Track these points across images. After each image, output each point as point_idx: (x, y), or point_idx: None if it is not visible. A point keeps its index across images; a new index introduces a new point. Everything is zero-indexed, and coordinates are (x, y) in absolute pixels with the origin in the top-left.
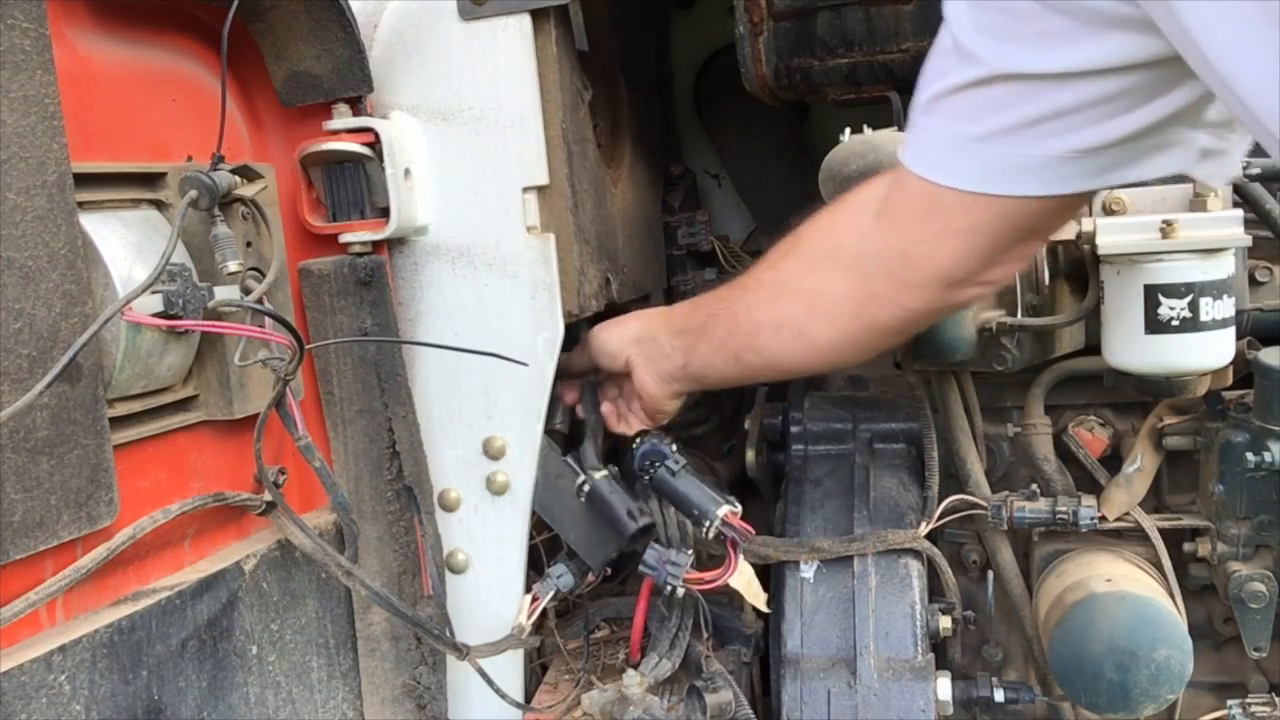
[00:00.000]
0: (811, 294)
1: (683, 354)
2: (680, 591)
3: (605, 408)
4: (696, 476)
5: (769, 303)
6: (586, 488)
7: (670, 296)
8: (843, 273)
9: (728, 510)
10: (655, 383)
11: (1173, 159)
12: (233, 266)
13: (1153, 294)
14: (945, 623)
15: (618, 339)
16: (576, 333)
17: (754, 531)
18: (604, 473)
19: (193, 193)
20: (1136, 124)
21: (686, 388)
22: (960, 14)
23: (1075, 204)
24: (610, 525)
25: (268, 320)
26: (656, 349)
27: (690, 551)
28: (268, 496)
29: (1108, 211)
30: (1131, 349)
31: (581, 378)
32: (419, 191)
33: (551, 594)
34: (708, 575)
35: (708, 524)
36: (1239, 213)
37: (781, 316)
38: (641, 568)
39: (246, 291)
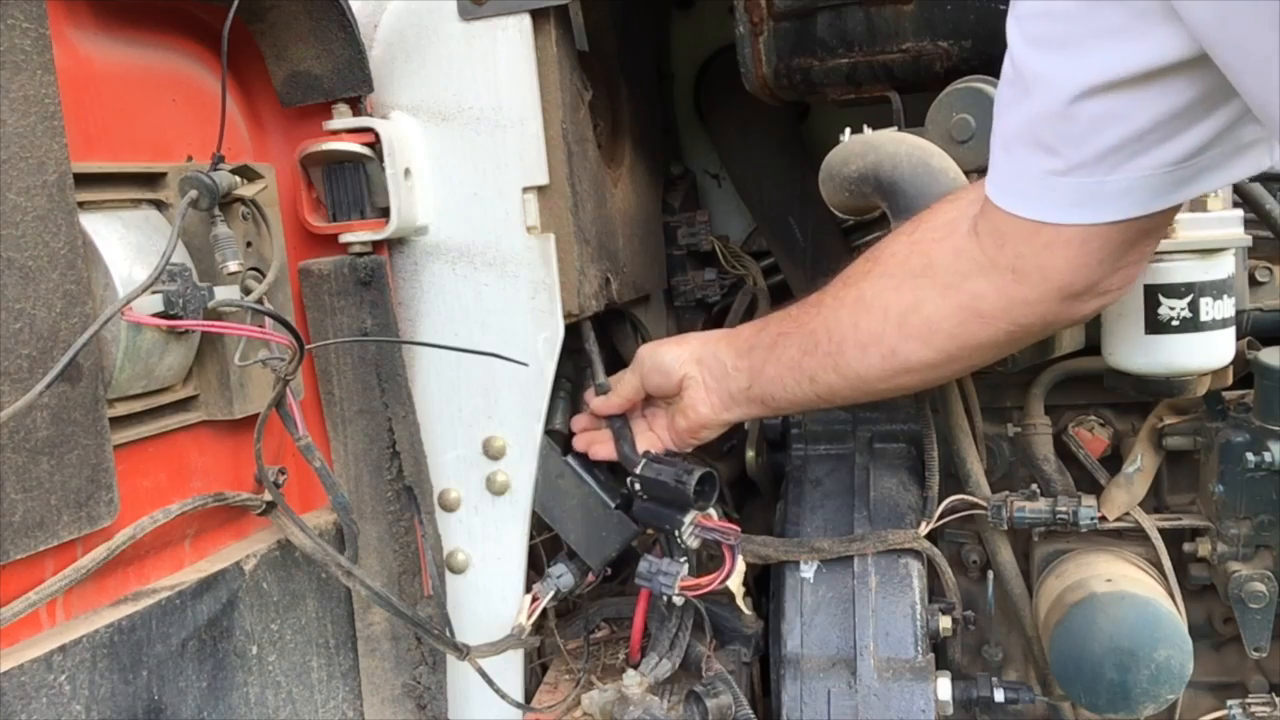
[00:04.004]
0: (903, 313)
1: (748, 375)
2: (678, 600)
3: (641, 425)
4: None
5: (853, 322)
6: (638, 485)
7: (670, 297)
8: (940, 292)
9: (694, 515)
10: (712, 406)
11: (1258, 157)
12: (233, 266)
13: (1153, 294)
14: (945, 623)
15: (674, 357)
16: (577, 333)
17: (738, 528)
18: (642, 461)
19: (193, 193)
20: (1211, 130)
21: (748, 412)
22: (1013, 35)
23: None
24: (674, 502)
25: (268, 320)
26: (719, 368)
27: (685, 559)
28: (268, 496)
29: None
30: (1131, 349)
31: (618, 424)
32: (419, 191)
33: (551, 594)
34: (704, 580)
35: (678, 534)
36: (1239, 213)
37: (868, 336)
38: (635, 579)
39: (246, 291)
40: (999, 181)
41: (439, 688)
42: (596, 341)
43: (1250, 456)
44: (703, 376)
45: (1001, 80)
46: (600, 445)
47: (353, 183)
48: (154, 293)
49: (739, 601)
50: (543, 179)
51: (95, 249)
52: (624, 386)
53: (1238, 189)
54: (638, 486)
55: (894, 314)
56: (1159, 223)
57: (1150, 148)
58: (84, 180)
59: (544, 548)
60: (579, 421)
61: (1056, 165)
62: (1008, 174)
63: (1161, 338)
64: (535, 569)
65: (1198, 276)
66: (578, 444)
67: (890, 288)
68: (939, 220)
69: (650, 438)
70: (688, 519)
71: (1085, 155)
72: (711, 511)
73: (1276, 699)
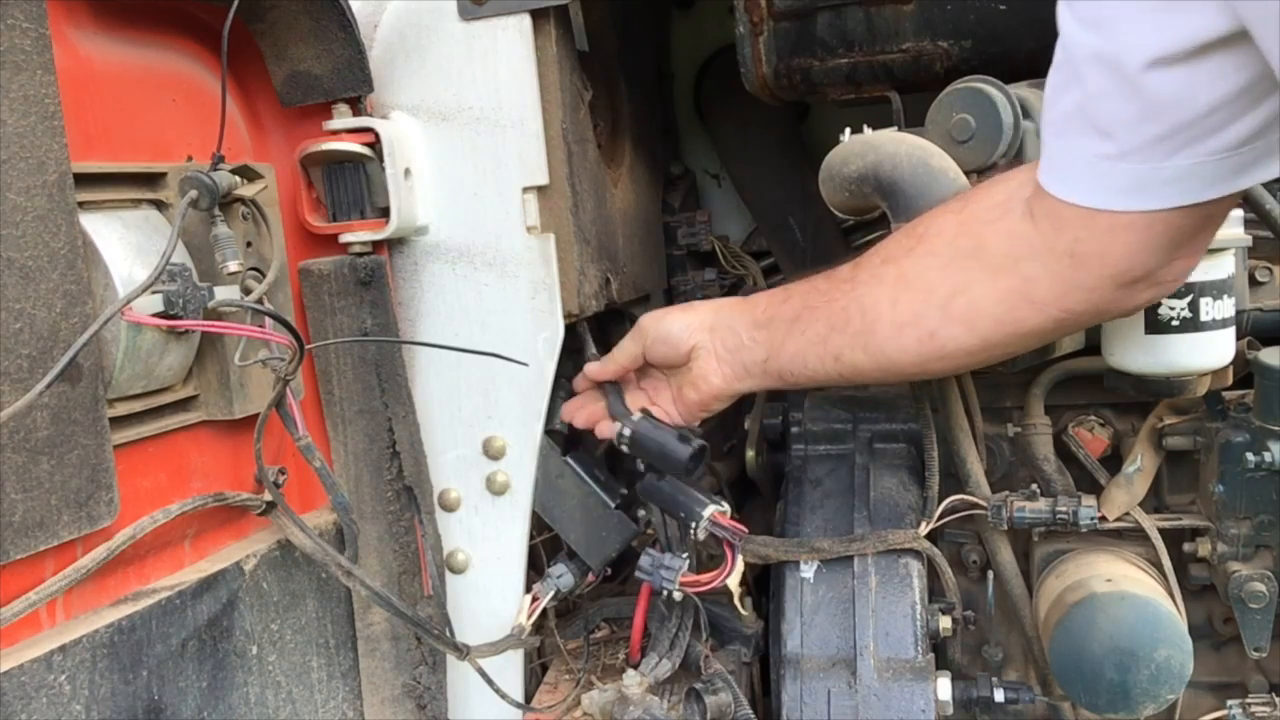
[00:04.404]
0: (948, 295)
1: (766, 347)
2: (678, 595)
3: (629, 401)
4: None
5: (891, 300)
6: (627, 432)
7: (670, 297)
8: (990, 275)
9: (714, 510)
10: (724, 376)
11: None
12: (233, 266)
13: None
14: (945, 623)
15: (683, 325)
16: (576, 333)
17: (746, 530)
18: (639, 415)
19: (193, 193)
20: (1263, 117)
21: (762, 384)
22: (1064, 18)
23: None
24: (664, 461)
25: (268, 320)
26: (733, 339)
27: (687, 555)
28: (268, 496)
29: None
30: (1131, 349)
31: (610, 384)
32: (419, 191)
33: (551, 594)
34: (704, 577)
35: (694, 525)
36: (1239, 213)
37: (907, 316)
38: (637, 573)
39: (246, 291)
40: (1052, 167)
41: (439, 688)
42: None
43: (1250, 456)
44: (714, 346)
45: (1053, 66)
46: (591, 411)
47: (353, 183)
48: (154, 293)
49: (737, 601)
50: (543, 179)
51: (95, 249)
52: (621, 354)
53: None
54: (626, 434)
55: (939, 295)
56: (1217, 211)
57: (1205, 135)
58: (84, 180)
59: (544, 548)
60: (572, 404)
61: (1110, 149)
62: (1061, 160)
63: (1161, 338)
64: (535, 569)
65: (1198, 276)
66: (564, 412)
67: (935, 267)
68: (990, 201)
69: (656, 413)
70: (706, 513)
71: (1140, 139)
72: (726, 508)
73: (1276, 699)
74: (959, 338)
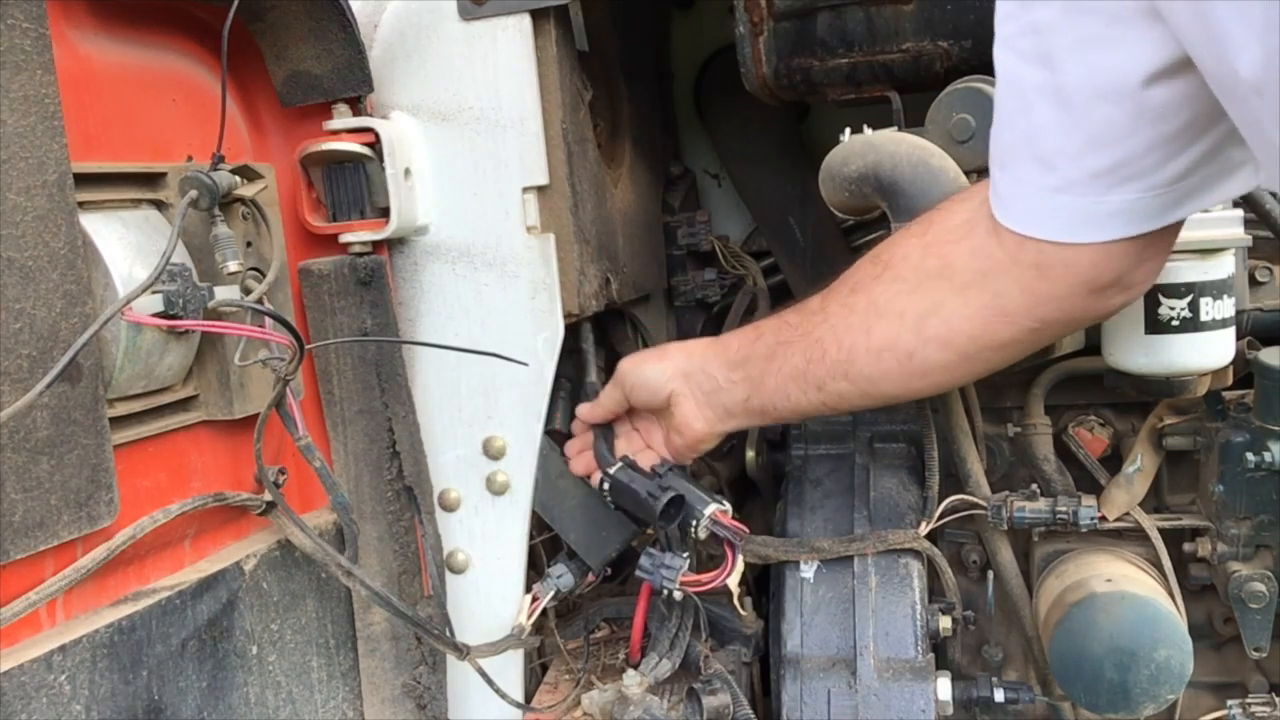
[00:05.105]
0: (919, 316)
1: (745, 387)
2: (678, 595)
3: (624, 442)
4: (686, 478)
5: (865, 328)
6: (606, 485)
7: (670, 297)
8: (960, 292)
9: (716, 509)
10: (707, 420)
11: (1246, 179)
12: (233, 266)
13: (1152, 294)
14: (945, 623)
15: (658, 372)
16: (577, 333)
17: (747, 529)
18: (618, 465)
19: (193, 193)
20: (1200, 152)
21: (745, 423)
22: (1003, 55)
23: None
24: (640, 510)
25: (268, 320)
26: (709, 383)
27: (687, 554)
28: (268, 496)
29: None
30: (1131, 349)
31: (604, 426)
32: (419, 191)
33: (551, 594)
34: (704, 577)
35: (696, 524)
36: (1239, 213)
37: (882, 342)
38: (637, 573)
39: (246, 291)
40: (1001, 199)
41: (439, 688)
42: (595, 344)
43: (1250, 456)
44: (691, 391)
45: (996, 98)
46: (587, 458)
47: (353, 183)
48: (154, 293)
49: (736, 601)
50: (543, 179)
51: (95, 249)
52: (607, 399)
53: None
54: (606, 487)
55: (911, 318)
56: (1169, 231)
57: (1145, 172)
58: (84, 180)
59: (544, 548)
60: (573, 445)
61: (1052, 182)
62: (1007, 191)
63: (1161, 338)
64: (535, 569)
65: (1198, 276)
66: (569, 450)
67: (904, 291)
68: (951, 222)
69: (649, 455)
70: (708, 511)
71: (1080, 173)
72: (728, 507)
73: (1276, 699)
74: (936, 355)
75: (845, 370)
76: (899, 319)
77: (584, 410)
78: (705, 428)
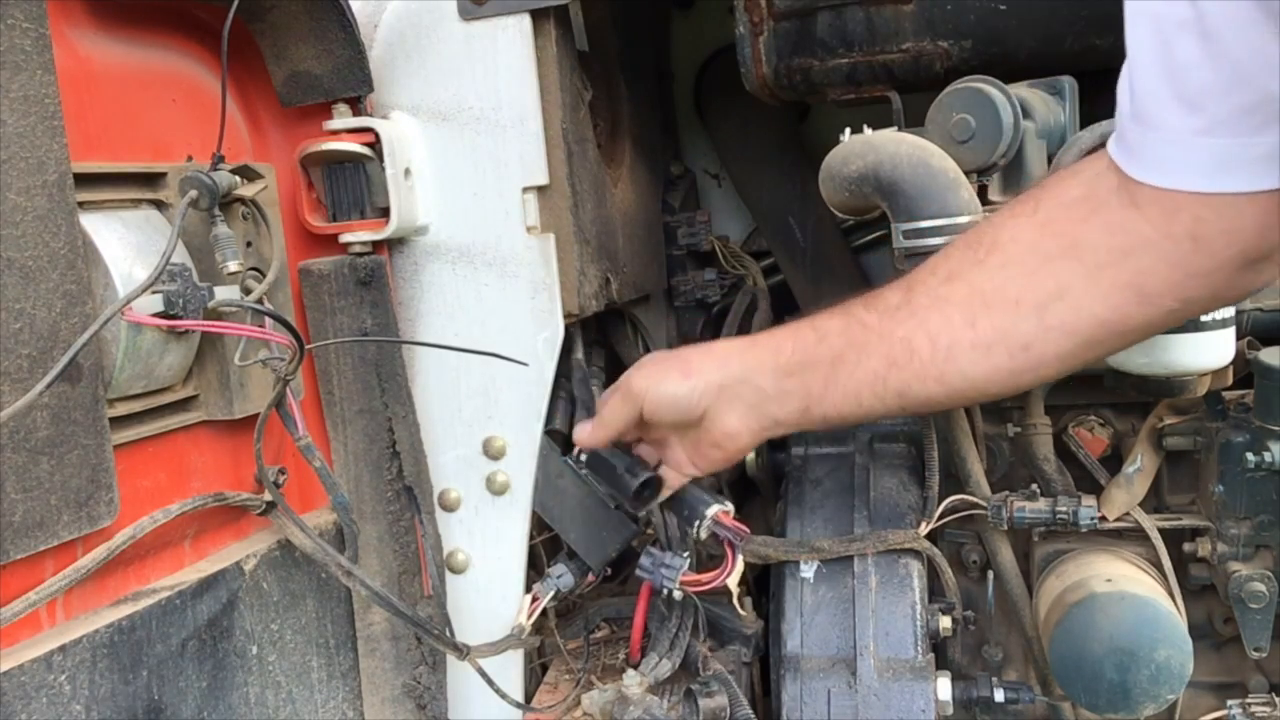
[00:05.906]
0: (1040, 303)
1: (802, 396)
2: (678, 594)
3: (647, 449)
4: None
5: (968, 321)
6: (584, 455)
7: (670, 297)
8: (1092, 274)
9: (718, 509)
10: (752, 431)
11: None
12: (233, 266)
13: None
14: (945, 623)
15: (688, 391)
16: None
17: (748, 530)
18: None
19: (193, 193)
20: None
21: (796, 429)
22: None
23: None
24: (613, 485)
25: (268, 320)
26: (755, 394)
27: (688, 554)
28: (268, 496)
29: None
30: (1131, 349)
31: (620, 448)
32: (419, 191)
33: (551, 594)
34: (704, 577)
35: (697, 524)
36: None
37: (993, 335)
38: (637, 572)
39: (246, 291)
40: (1136, 154)
41: (439, 688)
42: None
43: (1250, 456)
44: (731, 404)
45: (1129, 46)
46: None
47: (353, 183)
48: (154, 293)
49: (736, 601)
50: (543, 179)
51: (95, 249)
52: (615, 419)
53: None
54: (584, 458)
55: (1029, 305)
56: None
57: None
58: (84, 180)
59: (544, 548)
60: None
61: (1198, 123)
62: (1146, 143)
63: (1161, 338)
64: (535, 569)
65: None
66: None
67: (1018, 276)
68: (1067, 197)
69: (667, 473)
70: (710, 512)
71: (1227, 110)
72: (730, 508)
73: (1276, 699)
74: (1057, 346)
75: (940, 372)
76: (1014, 307)
77: (586, 434)
78: (750, 440)
